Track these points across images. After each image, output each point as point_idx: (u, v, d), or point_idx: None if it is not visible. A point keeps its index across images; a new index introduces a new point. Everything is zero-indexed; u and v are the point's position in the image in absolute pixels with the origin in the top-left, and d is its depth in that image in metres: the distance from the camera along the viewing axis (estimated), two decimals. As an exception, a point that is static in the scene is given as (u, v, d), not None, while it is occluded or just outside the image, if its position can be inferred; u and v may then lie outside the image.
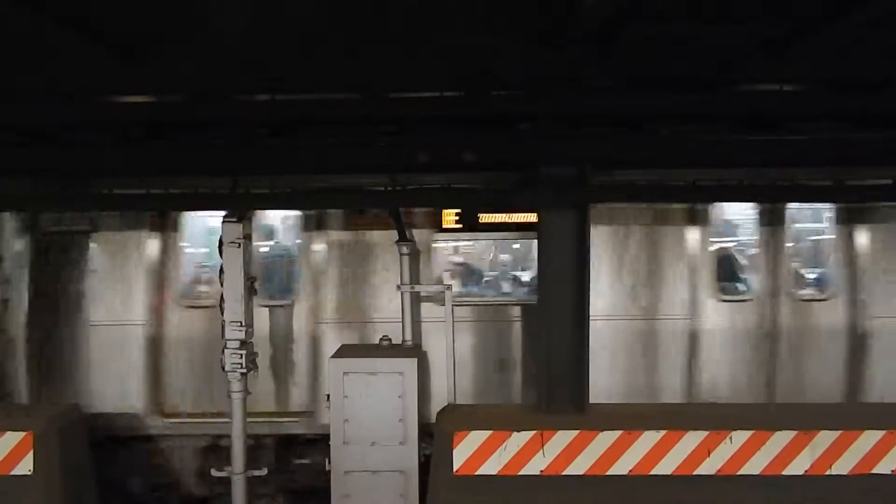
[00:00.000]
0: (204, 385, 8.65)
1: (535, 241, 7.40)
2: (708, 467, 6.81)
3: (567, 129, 6.96)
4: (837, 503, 6.71)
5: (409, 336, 8.31)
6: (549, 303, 7.17)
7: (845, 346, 8.59)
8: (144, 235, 8.70)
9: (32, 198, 7.93)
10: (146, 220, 8.69)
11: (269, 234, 9.92)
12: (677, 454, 6.83)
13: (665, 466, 6.82)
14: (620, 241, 8.67)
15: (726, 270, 9.13)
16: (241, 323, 7.28)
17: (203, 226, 9.48)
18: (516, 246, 9.71)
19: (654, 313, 8.67)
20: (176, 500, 8.82)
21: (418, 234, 8.59)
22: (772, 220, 8.69)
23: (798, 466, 6.77)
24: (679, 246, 8.65)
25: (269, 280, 9.25)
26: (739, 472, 6.79)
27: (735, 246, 9.69)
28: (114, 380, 8.69)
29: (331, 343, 8.57)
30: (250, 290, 7.35)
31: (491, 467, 6.88)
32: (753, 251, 9.06)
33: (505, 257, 9.86)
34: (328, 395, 7.63)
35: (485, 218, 8.63)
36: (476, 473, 6.88)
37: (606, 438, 6.85)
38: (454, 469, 6.89)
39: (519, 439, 6.88)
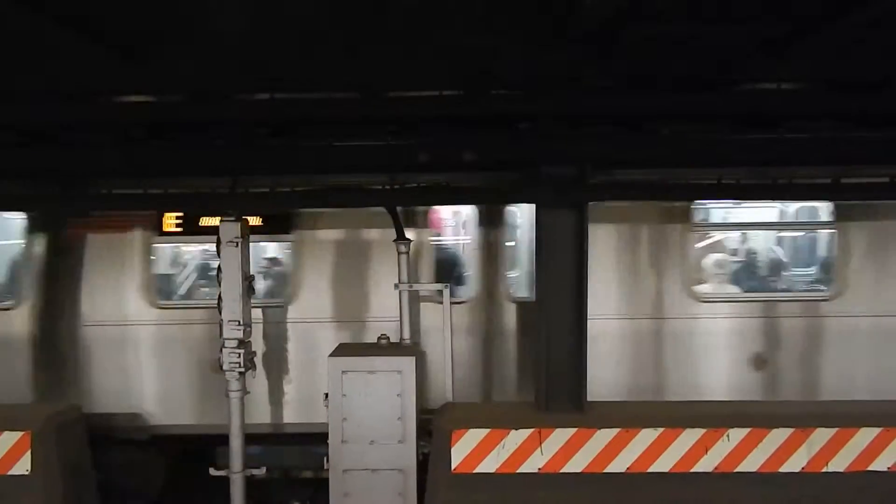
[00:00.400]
0: None
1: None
2: (705, 465, 6.85)
3: (567, 128, 6.97)
4: (834, 500, 6.76)
5: (407, 334, 8.31)
6: (547, 301, 7.19)
7: None
8: None
9: (32, 198, 7.91)
10: None
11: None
12: (675, 452, 6.87)
13: (663, 464, 6.86)
14: None
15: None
16: (239, 322, 7.28)
17: None
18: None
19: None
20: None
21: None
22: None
23: (795, 464, 6.82)
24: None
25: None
26: (736, 470, 6.83)
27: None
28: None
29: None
30: (248, 290, 7.36)
31: (489, 465, 6.91)
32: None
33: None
34: (326, 394, 7.63)
35: (205, 221, 8.54)
36: (474, 471, 6.91)
37: (604, 436, 6.88)
38: (452, 467, 6.92)
39: (517, 437, 6.91)
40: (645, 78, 6.29)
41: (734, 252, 10.47)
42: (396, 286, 8.29)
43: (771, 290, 9.93)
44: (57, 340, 8.65)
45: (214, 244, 7.28)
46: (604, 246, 8.32)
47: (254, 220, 7.91)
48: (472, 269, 8.82)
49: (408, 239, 8.26)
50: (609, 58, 5.55)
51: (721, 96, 6.64)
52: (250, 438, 7.72)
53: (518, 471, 6.89)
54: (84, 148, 7.13)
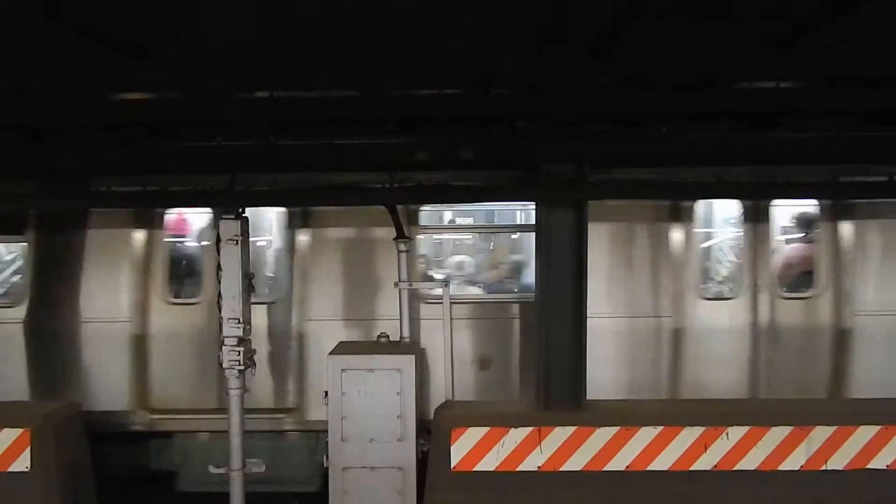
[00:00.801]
0: None
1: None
2: (705, 463, 6.86)
3: (566, 127, 6.96)
4: (833, 498, 6.77)
5: (406, 332, 8.32)
6: (547, 299, 7.19)
7: None
8: None
9: (31, 195, 7.91)
10: None
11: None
12: (674, 450, 6.88)
13: (662, 462, 6.87)
14: None
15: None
16: (238, 320, 7.28)
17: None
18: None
19: None
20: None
21: None
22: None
23: (794, 462, 6.83)
24: None
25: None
26: (736, 468, 6.84)
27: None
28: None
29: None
30: (248, 288, 7.35)
31: (488, 463, 6.92)
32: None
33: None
34: (325, 392, 7.64)
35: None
36: (474, 469, 6.92)
37: (604, 434, 6.89)
38: (452, 465, 6.93)
39: (516, 435, 6.92)
40: (645, 77, 6.28)
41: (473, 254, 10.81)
42: (396, 284, 8.30)
43: (508, 292, 9.98)
44: None
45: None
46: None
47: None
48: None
49: (408, 238, 8.27)
50: (609, 57, 5.54)
51: (721, 95, 6.63)
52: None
53: (517, 469, 6.90)
54: (83, 146, 7.11)
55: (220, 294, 7.28)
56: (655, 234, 8.69)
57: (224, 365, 7.32)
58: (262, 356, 8.47)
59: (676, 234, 8.63)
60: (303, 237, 8.86)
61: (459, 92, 6.72)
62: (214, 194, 7.65)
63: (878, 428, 6.84)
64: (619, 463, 6.86)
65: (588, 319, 7.29)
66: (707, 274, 9.54)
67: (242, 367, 7.36)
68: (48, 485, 7.14)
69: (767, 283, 8.65)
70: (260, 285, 8.63)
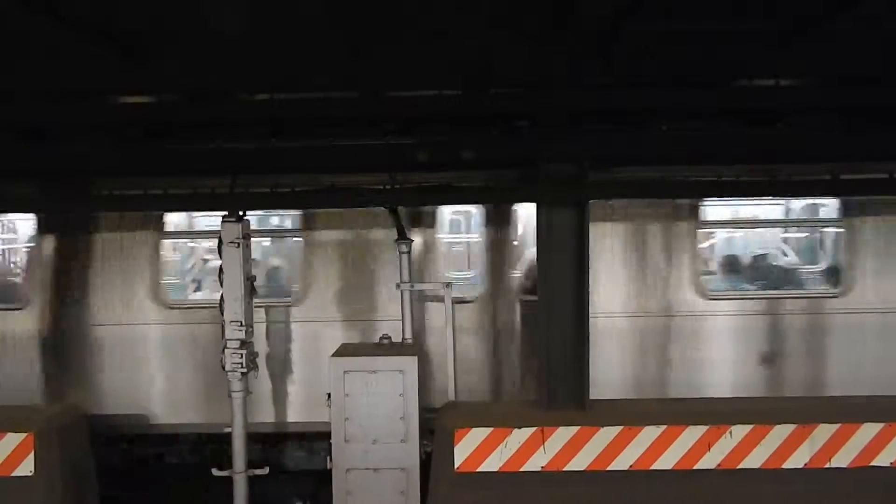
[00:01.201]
0: None
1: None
2: (708, 461, 6.84)
3: (567, 126, 6.96)
4: (837, 495, 6.76)
5: (409, 334, 8.32)
6: (549, 299, 7.19)
7: None
8: None
9: (32, 199, 7.91)
10: None
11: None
12: (678, 449, 6.85)
13: (666, 461, 6.85)
14: None
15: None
16: (241, 323, 7.29)
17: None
18: None
19: None
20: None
21: None
22: None
23: (798, 460, 6.81)
24: None
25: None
26: (740, 466, 6.82)
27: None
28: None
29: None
30: (250, 290, 7.36)
31: (492, 464, 6.90)
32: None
33: None
34: (328, 394, 7.63)
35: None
36: (477, 470, 6.90)
37: (607, 434, 6.87)
38: (455, 466, 6.91)
39: (520, 436, 6.90)
40: (644, 75, 6.28)
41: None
42: (398, 286, 8.30)
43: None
44: None
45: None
46: None
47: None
48: None
49: (409, 239, 8.27)
50: (609, 55, 5.55)
51: (721, 92, 6.63)
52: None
53: (521, 469, 6.88)
54: (83, 148, 7.11)
55: (221, 297, 7.29)
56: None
57: (227, 368, 7.33)
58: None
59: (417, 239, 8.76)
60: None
61: (459, 93, 6.72)
62: (215, 197, 7.65)
63: (881, 425, 6.82)
64: (622, 462, 6.85)
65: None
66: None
67: (245, 371, 7.37)
68: (51, 489, 7.13)
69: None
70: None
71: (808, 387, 8.62)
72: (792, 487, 6.77)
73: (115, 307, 8.81)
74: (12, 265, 10.55)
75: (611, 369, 8.64)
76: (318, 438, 8.76)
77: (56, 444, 7.21)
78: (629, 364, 8.77)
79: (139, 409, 8.84)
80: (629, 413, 7.16)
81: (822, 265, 10.14)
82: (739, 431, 6.85)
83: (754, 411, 7.17)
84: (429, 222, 8.82)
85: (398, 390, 7.53)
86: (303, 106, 6.75)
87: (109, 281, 8.78)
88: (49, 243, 8.75)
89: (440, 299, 8.41)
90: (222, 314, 7.31)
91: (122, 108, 6.92)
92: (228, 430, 7.50)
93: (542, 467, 6.87)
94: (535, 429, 6.89)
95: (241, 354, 7.30)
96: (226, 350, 7.33)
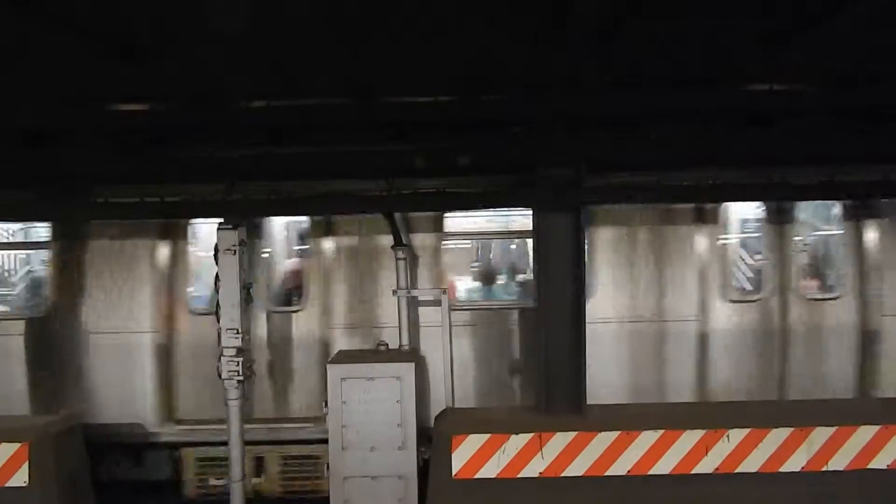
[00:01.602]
0: None
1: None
2: (706, 466, 6.85)
3: (564, 131, 6.97)
4: (835, 499, 6.76)
5: (406, 340, 8.31)
6: (545, 304, 7.19)
7: None
8: None
9: (30, 208, 7.87)
10: None
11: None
12: (675, 453, 6.87)
13: (663, 466, 6.86)
14: None
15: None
16: (237, 330, 7.25)
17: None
18: None
19: None
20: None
21: None
22: None
23: (795, 463, 6.83)
24: None
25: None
26: (737, 470, 6.84)
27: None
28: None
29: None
30: (247, 298, 7.33)
31: (490, 470, 6.90)
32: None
33: None
34: (325, 401, 7.61)
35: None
36: (475, 477, 6.90)
37: (605, 439, 6.88)
38: (453, 473, 6.90)
39: (517, 442, 6.90)
40: (643, 77, 6.27)
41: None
42: (395, 292, 8.29)
43: None
44: None
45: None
46: None
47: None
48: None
49: (406, 245, 8.27)
50: (608, 57, 5.55)
51: (719, 94, 6.62)
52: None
53: (519, 475, 6.88)
54: (81, 154, 7.09)
55: (217, 304, 7.26)
56: None
57: (223, 376, 7.29)
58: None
59: None
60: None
61: (456, 98, 6.71)
62: (212, 204, 7.62)
63: (878, 427, 6.85)
64: (620, 467, 6.85)
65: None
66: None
67: (241, 378, 7.33)
68: (46, 499, 7.09)
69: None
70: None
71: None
72: (790, 490, 6.78)
73: None
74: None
75: None
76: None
77: (51, 454, 7.19)
78: None
79: None
80: (627, 418, 7.18)
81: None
82: (737, 435, 6.86)
83: (752, 415, 7.19)
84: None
85: (395, 397, 7.52)
86: (300, 112, 6.73)
87: None
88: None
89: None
90: (218, 321, 7.27)
91: (120, 114, 6.86)
92: None
93: (540, 473, 6.87)
94: (532, 434, 6.89)
95: (238, 362, 7.27)
96: (222, 358, 7.29)
